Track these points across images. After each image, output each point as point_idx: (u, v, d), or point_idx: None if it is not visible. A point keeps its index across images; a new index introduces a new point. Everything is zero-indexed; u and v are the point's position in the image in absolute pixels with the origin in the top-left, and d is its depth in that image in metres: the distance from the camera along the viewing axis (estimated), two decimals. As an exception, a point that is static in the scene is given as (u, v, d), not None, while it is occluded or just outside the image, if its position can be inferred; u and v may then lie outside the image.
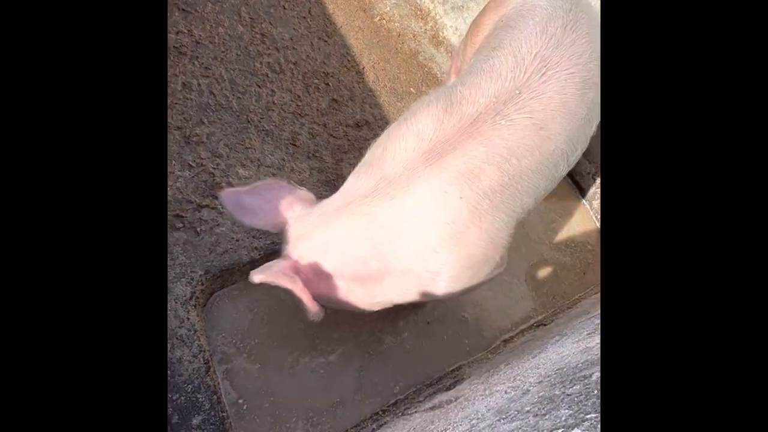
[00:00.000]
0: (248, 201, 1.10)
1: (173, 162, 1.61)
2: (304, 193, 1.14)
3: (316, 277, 1.05)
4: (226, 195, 1.11)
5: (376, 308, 1.17)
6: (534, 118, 1.04)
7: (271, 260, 1.35)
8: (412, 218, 1.01)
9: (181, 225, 1.53)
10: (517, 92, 1.04)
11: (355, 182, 1.08)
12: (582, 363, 0.79)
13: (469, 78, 1.09)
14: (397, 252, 1.03)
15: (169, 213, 1.53)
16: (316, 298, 1.03)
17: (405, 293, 1.10)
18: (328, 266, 1.05)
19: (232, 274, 1.30)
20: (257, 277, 0.98)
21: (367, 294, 1.09)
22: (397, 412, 1.26)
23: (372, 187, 1.03)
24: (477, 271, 1.09)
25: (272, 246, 1.35)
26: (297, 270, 1.04)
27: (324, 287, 1.06)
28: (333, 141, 1.84)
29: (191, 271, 1.24)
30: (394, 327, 1.59)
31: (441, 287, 1.09)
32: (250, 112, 1.78)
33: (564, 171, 1.18)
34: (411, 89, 2.12)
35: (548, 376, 0.83)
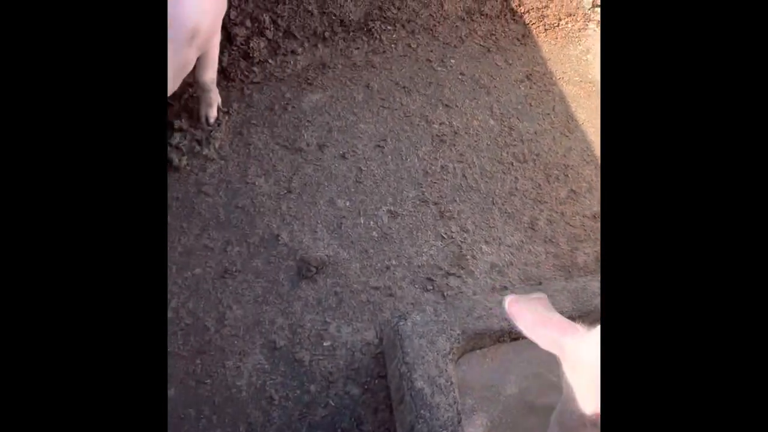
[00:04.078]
0: (528, 313, 1.14)
1: (429, 232, 1.86)
2: None
3: None
4: (512, 303, 1.07)
5: None
6: None
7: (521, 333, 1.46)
8: None
9: (431, 287, 1.75)
10: None
11: None
12: None
13: None
14: None
15: (422, 276, 1.76)
16: None
17: None
18: None
19: (483, 338, 1.44)
20: None
21: None
22: None
23: None
24: None
25: (520, 319, 1.46)
26: None
27: None
28: (570, 229, 1.94)
29: (451, 329, 1.41)
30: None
31: None
32: (495, 195, 1.97)
33: None
34: (650, 186, 2.13)
35: None
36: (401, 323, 1.41)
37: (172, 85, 1.61)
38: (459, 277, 1.77)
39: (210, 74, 1.81)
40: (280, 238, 1.76)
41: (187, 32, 1.49)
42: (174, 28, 1.46)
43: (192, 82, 1.87)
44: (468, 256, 1.81)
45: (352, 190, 1.91)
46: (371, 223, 1.85)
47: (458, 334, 1.41)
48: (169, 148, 1.86)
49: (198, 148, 1.89)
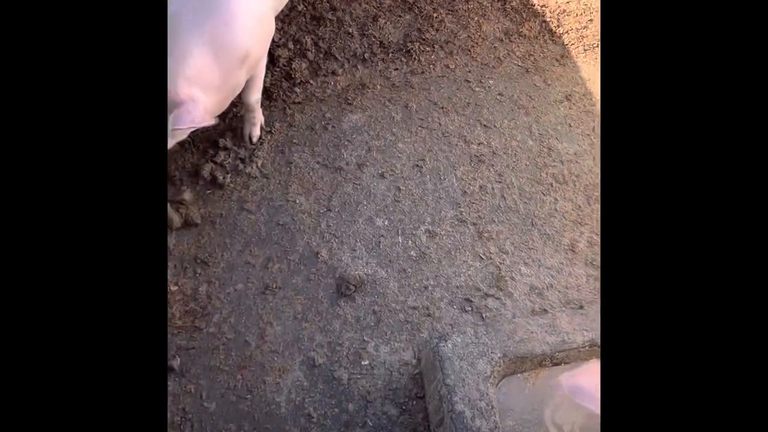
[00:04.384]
0: (586, 384, 1.23)
1: (467, 253, 1.85)
2: None
3: None
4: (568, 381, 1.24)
5: None
6: None
7: (563, 358, 1.44)
8: None
9: (469, 308, 1.74)
10: None
11: None
12: None
13: None
14: None
15: (460, 296, 1.76)
16: None
17: None
18: None
19: (524, 362, 1.42)
20: None
21: None
22: None
23: None
24: None
25: (562, 344, 1.44)
26: None
27: None
28: (611, 252, 1.90)
29: (491, 352, 1.40)
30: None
31: None
32: (534, 216, 1.96)
33: None
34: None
35: None
36: (441, 344, 1.41)
37: (223, 105, 1.66)
38: (498, 298, 1.76)
39: (255, 95, 1.86)
40: (319, 255, 1.79)
41: (238, 57, 1.55)
42: (226, 52, 1.51)
43: (236, 102, 1.93)
44: (507, 278, 1.80)
45: (391, 209, 1.92)
46: (409, 242, 1.86)
47: (499, 357, 1.40)
48: (213, 166, 1.92)
49: (241, 166, 1.94)
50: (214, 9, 1.48)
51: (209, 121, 1.52)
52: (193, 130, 1.53)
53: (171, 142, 1.70)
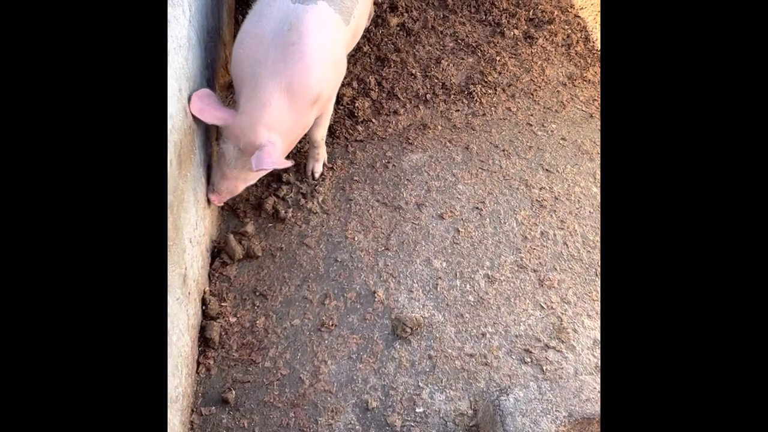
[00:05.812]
0: None
1: (527, 300, 1.80)
2: None
3: None
4: None
5: None
6: None
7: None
8: None
9: (529, 360, 1.67)
10: None
11: None
12: None
13: None
14: None
15: (520, 346, 1.69)
16: None
17: None
18: None
19: (591, 424, 1.35)
20: None
21: None
22: None
23: None
24: None
25: (632, 406, 1.36)
26: None
27: None
28: (681, 308, 1.80)
29: (556, 410, 1.33)
30: None
31: None
32: (599, 266, 1.89)
33: None
34: None
35: None
36: (503, 398, 1.35)
37: (294, 143, 1.70)
38: (559, 351, 1.68)
39: (322, 132, 1.90)
40: (376, 295, 1.77)
41: (310, 98, 1.59)
42: (301, 96, 1.56)
43: (301, 138, 1.98)
44: (569, 330, 1.73)
45: (449, 251, 1.90)
46: (467, 286, 1.82)
47: (564, 417, 1.33)
48: (276, 200, 1.95)
49: (303, 201, 1.97)
50: (291, 57, 1.54)
51: (286, 162, 1.59)
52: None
53: (244, 184, 1.75)
